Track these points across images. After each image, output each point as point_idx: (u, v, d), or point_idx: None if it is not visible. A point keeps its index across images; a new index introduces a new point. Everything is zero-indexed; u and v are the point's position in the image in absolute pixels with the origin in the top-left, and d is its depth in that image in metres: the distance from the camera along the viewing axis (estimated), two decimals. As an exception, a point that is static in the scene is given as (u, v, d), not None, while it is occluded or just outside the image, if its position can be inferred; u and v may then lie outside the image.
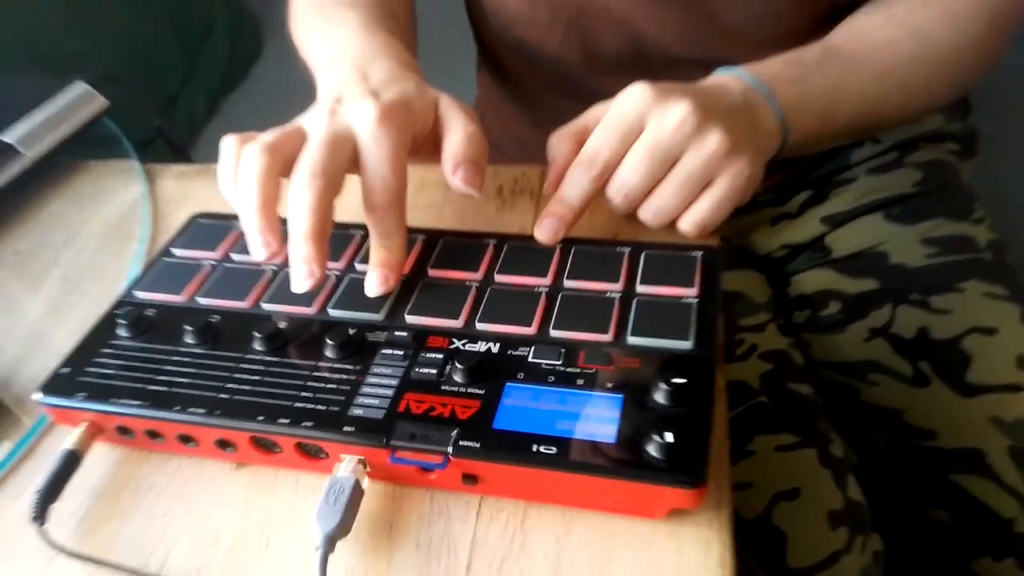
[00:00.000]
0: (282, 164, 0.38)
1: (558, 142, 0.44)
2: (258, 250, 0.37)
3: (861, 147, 0.67)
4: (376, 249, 0.39)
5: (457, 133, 0.41)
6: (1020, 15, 0.56)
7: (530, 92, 0.68)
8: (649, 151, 0.40)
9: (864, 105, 0.51)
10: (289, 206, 0.37)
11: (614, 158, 0.41)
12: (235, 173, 0.39)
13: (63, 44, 0.96)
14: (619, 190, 0.41)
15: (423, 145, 0.42)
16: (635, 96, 0.41)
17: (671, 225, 0.42)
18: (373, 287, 0.38)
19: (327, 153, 0.38)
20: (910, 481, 0.57)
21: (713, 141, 0.40)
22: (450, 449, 0.32)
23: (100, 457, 0.37)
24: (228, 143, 0.40)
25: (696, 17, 0.56)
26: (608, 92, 0.42)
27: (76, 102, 0.58)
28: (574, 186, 0.41)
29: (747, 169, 0.41)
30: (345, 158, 0.38)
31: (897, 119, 0.55)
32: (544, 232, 0.41)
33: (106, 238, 0.50)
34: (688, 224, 0.41)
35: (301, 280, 0.37)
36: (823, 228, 0.66)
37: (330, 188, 0.37)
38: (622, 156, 0.41)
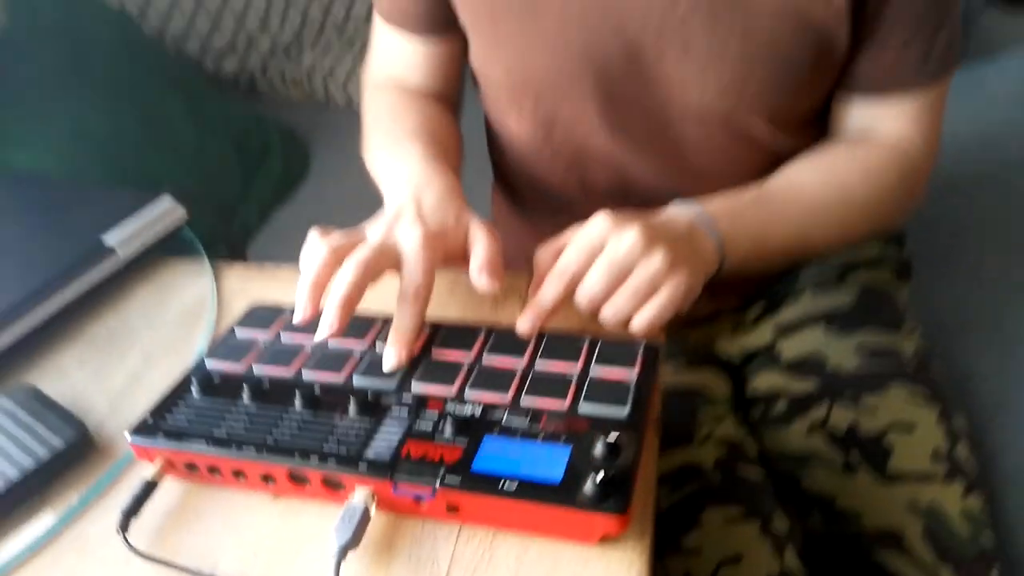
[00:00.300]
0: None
1: (540, 256, 0.56)
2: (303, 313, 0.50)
3: (809, 268, 0.78)
4: (396, 332, 0.50)
5: (482, 248, 0.53)
6: (926, 175, 0.69)
7: (534, 212, 0.80)
8: (607, 267, 0.51)
9: (790, 237, 0.62)
10: (335, 281, 0.49)
11: (580, 271, 0.52)
12: (310, 257, 0.51)
13: (145, 163, 1.12)
14: (584, 296, 0.52)
15: (455, 256, 0.55)
16: (598, 223, 0.52)
17: (625, 324, 0.53)
18: (389, 363, 0.49)
19: (373, 256, 0.50)
20: (841, 559, 0.64)
21: (657, 260, 0.51)
22: (437, 483, 0.42)
23: (171, 486, 0.47)
24: (313, 235, 0.53)
25: (671, 161, 0.69)
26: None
27: (162, 213, 0.71)
28: (548, 291, 0.52)
29: (685, 283, 0.51)
30: (387, 264, 0.51)
31: (821, 249, 0.67)
32: (524, 325, 0.52)
33: (180, 321, 0.62)
34: (637, 325, 0.52)
35: (324, 328, 0.49)
36: (775, 336, 0.76)
37: (366, 277, 0.49)
38: (587, 270, 0.52)
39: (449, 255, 0.54)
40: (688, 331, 0.79)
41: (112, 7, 1.51)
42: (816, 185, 0.64)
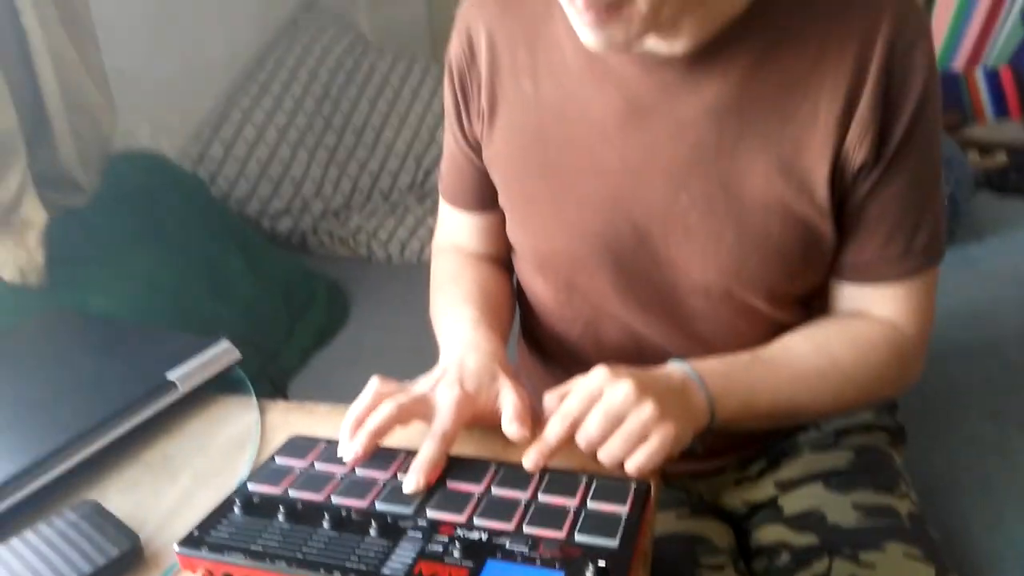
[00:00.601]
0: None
1: (547, 400, 0.62)
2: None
3: (807, 431, 0.82)
4: (419, 462, 0.57)
5: (511, 404, 0.62)
6: (919, 353, 0.72)
7: (553, 362, 0.86)
8: (603, 414, 0.57)
9: (779, 399, 0.67)
10: (371, 415, 0.59)
11: (580, 415, 0.58)
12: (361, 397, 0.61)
13: (205, 310, 1.24)
14: (583, 438, 0.58)
15: (484, 415, 0.63)
16: (597, 374, 0.59)
17: (620, 465, 0.58)
18: (409, 486, 0.56)
19: (410, 402, 0.60)
20: None
21: (647, 410, 0.57)
22: (444, 599, 0.47)
23: (208, 595, 0.53)
24: (372, 381, 0.63)
25: (678, 328, 0.74)
26: None
27: (219, 354, 0.79)
28: (552, 431, 0.58)
29: (673, 431, 0.57)
30: (420, 412, 0.61)
31: (811, 414, 0.71)
32: (529, 460, 0.58)
33: (227, 448, 0.69)
34: (630, 467, 0.57)
35: (349, 453, 0.57)
36: (776, 491, 0.80)
37: (397, 418, 0.59)
38: (586, 414, 0.58)
39: (479, 414, 0.63)
40: (692, 482, 0.83)
41: (187, 172, 1.69)
42: (807, 354, 0.69)
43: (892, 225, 0.67)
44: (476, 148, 0.78)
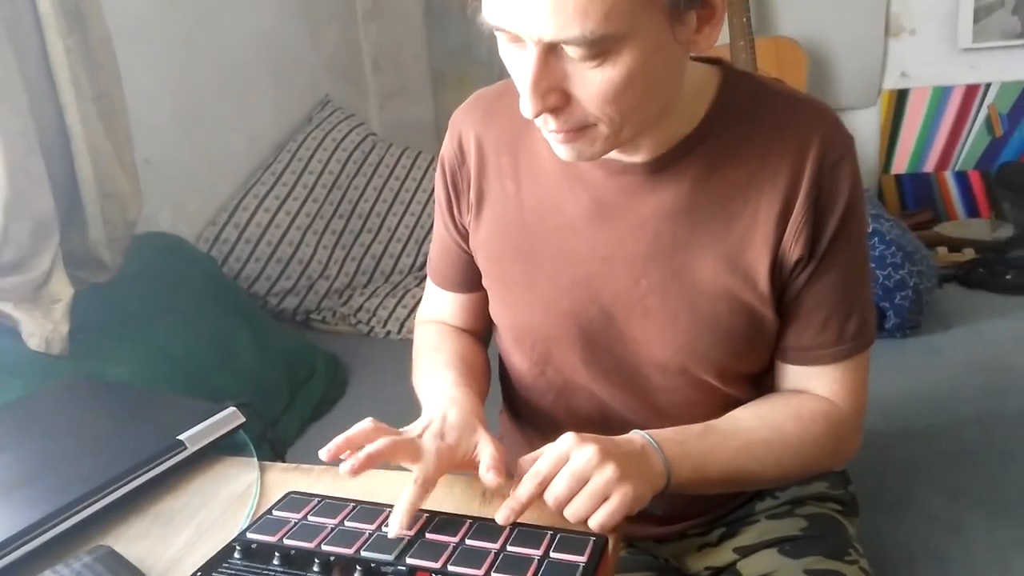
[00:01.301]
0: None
1: (521, 463, 0.68)
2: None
3: (763, 500, 0.88)
4: (402, 503, 0.64)
5: (488, 455, 0.68)
6: (855, 427, 0.79)
7: (530, 429, 0.92)
8: (569, 475, 0.63)
9: (729, 465, 0.73)
10: (369, 444, 0.66)
11: (549, 475, 0.64)
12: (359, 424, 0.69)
13: (212, 379, 1.31)
14: (551, 497, 0.64)
15: (463, 463, 0.70)
16: (566, 440, 0.66)
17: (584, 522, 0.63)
18: (394, 528, 0.62)
19: (404, 441, 0.67)
20: None
21: (608, 471, 0.63)
22: (418, 633, 0.52)
23: (207, 630, 0.58)
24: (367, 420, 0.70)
25: (640, 399, 0.81)
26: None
27: (226, 418, 0.86)
28: (523, 489, 0.64)
29: (632, 492, 0.62)
30: (408, 452, 0.67)
31: (759, 480, 0.76)
32: (501, 516, 0.63)
33: (229, 503, 0.74)
34: (593, 524, 0.62)
35: (346, 466, 0.63)
36: (735, 556, 0.85)
37: (392, 450, 0.65)
38: (555, 474, 0.64)
39: (457, 461, 0.69)
40: (658, 546, 0.88)
41: (202, 253, 1.79)
42: (754, 426, 0.75)
43: (826, 314, 0.75)
44: (464, 235, 0.86)
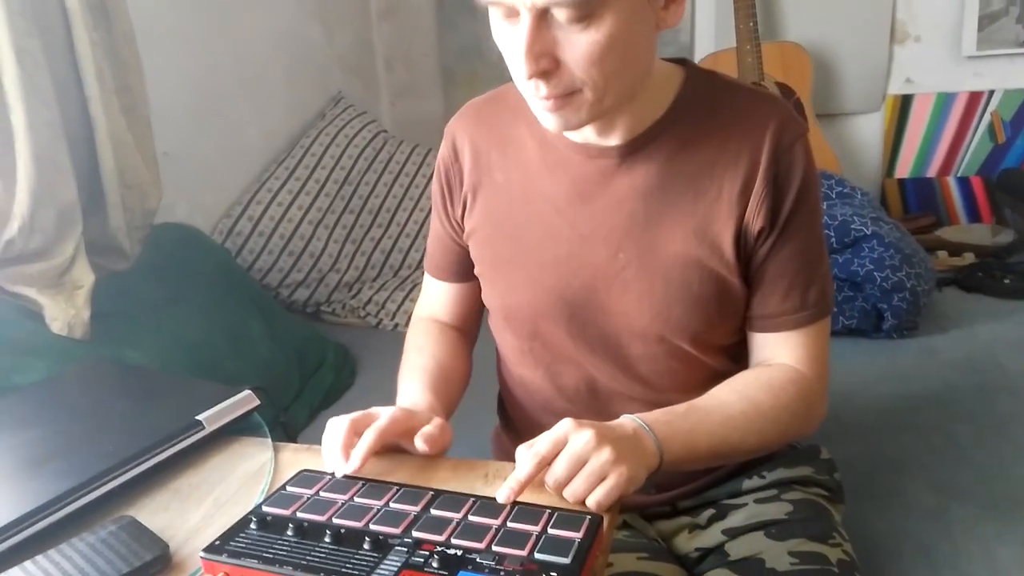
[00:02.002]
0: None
1: (520, 449, 0.71)
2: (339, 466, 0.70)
3: (751, 479, 0.91)
4: (359, 446, 0.71)
5: (430, 427, 0.74)
6: (820, 393, 0.84)
7: (521, 405, 0.97)
8: (568, 457, 0.66)
9: (714, 440, 0.76)
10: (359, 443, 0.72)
11: (548, 456, 0.67)
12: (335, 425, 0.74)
13: (226, 366, 1.34)
14: (551, 478, 0.67)
15: (413, 433, 0.75)
16: (563, 424, 0.69)
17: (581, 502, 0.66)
18: (347, 467, 0.70)
19: (388, 423, 0.73)
20: None
21: (605, 454, 0.66)
22: (422, 600, 0.55)
23: (225, 595, 0.61)
24: (334, 419, 0.74)
25: (624, 369, 0.86)
26: (571, 413, 0.71)
27: (242, 400, 0.89)
28: (523, 468, 0.67)
29: (627, 473, 0.66)
30: (394, 433, 0.73)
31: (744, 450, 0.81)
32: (502, 495, 0.67)
33: (244, 480, 0.78)
34: (591, 503, 0.65)
35: (347, 470, 0.70)
36: (723, 538, 0.88)
37: (377, 444, 0.72)
38: (554, 456, 0.68)
39: (410, 431, 0.75)
40: (649, 525, 0.92)
41: (217, 244, 1.82)
42: (731, 400, 0.80)
43: (789, 282, 0.82)
44: (457, 228, 0.94)
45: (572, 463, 0.66)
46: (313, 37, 2.39)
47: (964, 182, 2.67)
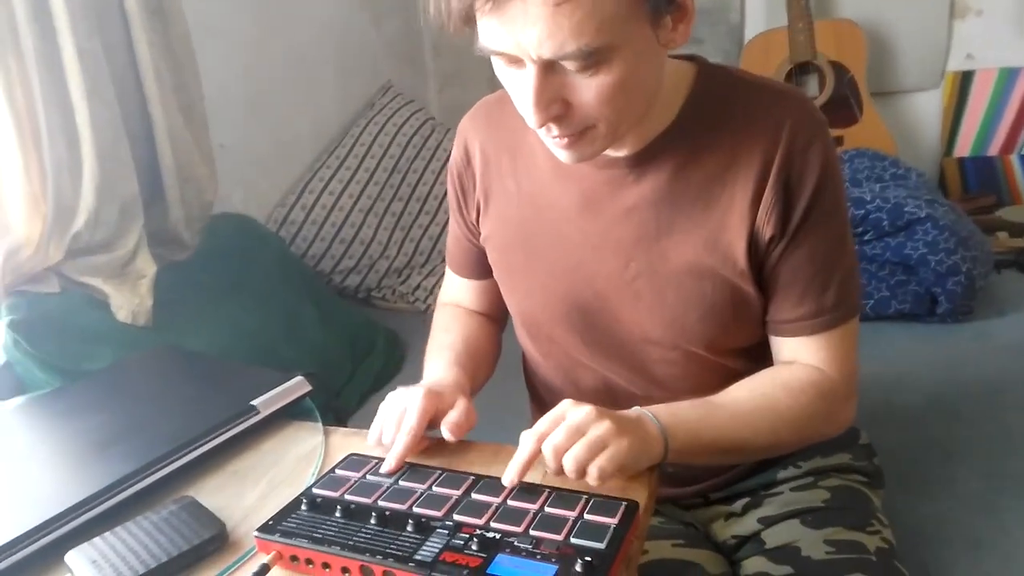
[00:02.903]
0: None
1: (524, 432, 0.72)
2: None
3: (786, 469, 0.91)
4: (393, 454, 0.73)
5: (455, 414, 0.75)
6: (844, 396, 0.82)
7: (547, 405, 0.96)
8: (567, 427, 0.67)
9: (723, 432, 0.76)
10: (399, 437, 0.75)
11: (547, 431, 0.68)
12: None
13: (280, 351, 1.39)
14: (549, 447, 0.67)
15: (443, 413, 0.77)
16: (564, 403, 0.70)
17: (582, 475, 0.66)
18: (388, 467, 0.72)
19: (419, 420, 0.74)
20: None
21: (604, 425, 0.67)
22: (461, 580, 0.58)
23: (277, 571, 0.64)
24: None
25: (639, 373, 0.87)
26: None
27: (294, 386, 0.93)
28: (523, 448, 0.68)
29: (626, 446, 0.66)
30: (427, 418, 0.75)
31: (756, 447, 0.79)
32: (506, 476, 0.68)
33: (296, 462, 0.81)
34: (593, 470, 0.65)
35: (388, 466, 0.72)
36: (759, 526, 0.88)
37: (415, 440, 0.74)
38: (552, 431, 0.68)
39: (440, 411, 0.77)
40: (686, 513, 0.92)
41: (272, 233, 1.88)
42: (744, 396, 0.79)
43: (802, 288, 0.79)
44: (472, 231, 0.95)
45: (571, 432, 0.67)
46: (362, 27, 2.42)
47: (1029, 160, 2.56)
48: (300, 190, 2.05)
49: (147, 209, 1.38)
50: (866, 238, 1.81)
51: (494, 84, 0.75)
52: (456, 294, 1.03)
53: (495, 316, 1.02)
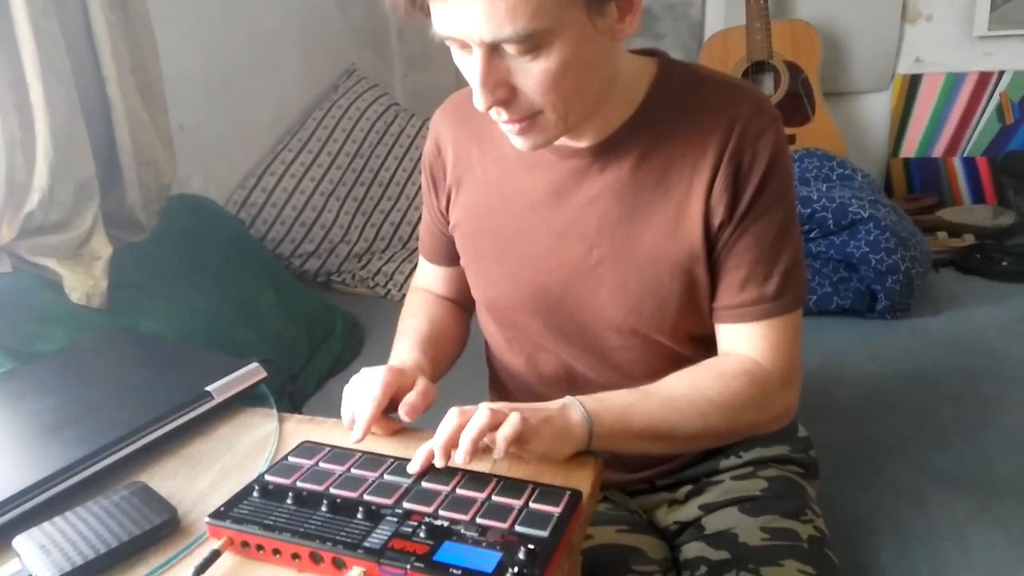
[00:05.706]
0: None
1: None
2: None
3: (728, 458, 0.94)
4: (360, 423, 0.75)
5: (412, 396, 0.77)
6: (780, 386, 0.82)
7: (508, 389, 1.00)
8: (459, 412, 0.69)
9: (652, 418, 0.76)
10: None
11: (462, 422, 0.69)
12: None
13: (237, 336, 1.38)
14: (443, 429, 0.69)
15: (404, 391, 0.78)
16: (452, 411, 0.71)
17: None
18: (356, 435, 0.74)
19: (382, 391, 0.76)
20: None
21: (503, 408, 0.68)
22: (408, 567, 0.59)
23: (228, 558, 0.65)
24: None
25: (600, 359, 0.89)
26: (550, 398, 0.73)
27: (249, 372, 0.92)
28: (440, 434, 0.69)
29: (520, 420, 0.67)
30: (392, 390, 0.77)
31: (687, 433, 0.78)
32: (411, 466, 0.70)
33: (249, 449, 0.81)
34: (496, 450, 0.66)
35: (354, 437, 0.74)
36: (700, 512, 0.91)
37: (379, 409, 0.76)
38: (464, 425, 0.69)
39: (403, 388, 0.78)
40: (630, 499, 0.95)
41: (231, 215, 1.85)
42: (675, 383, 0.80)
43: (745, 273, 0.81)
44: (443, 220, 0.96)
45: (463, 416, 0.69)
46: (327, 9, 2.39)
47: (969, 163, 2.65)
48: (261, 173, 2.03)
49: (104, 190, 1.35)
50: (811, 236, 1.86)
51: (459, 71, 0.76)
52: (427, 280, 1.05)
53: (463, 302, 1.04)
